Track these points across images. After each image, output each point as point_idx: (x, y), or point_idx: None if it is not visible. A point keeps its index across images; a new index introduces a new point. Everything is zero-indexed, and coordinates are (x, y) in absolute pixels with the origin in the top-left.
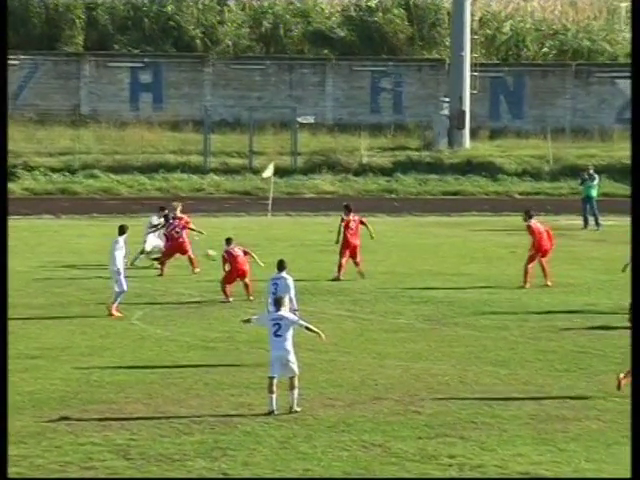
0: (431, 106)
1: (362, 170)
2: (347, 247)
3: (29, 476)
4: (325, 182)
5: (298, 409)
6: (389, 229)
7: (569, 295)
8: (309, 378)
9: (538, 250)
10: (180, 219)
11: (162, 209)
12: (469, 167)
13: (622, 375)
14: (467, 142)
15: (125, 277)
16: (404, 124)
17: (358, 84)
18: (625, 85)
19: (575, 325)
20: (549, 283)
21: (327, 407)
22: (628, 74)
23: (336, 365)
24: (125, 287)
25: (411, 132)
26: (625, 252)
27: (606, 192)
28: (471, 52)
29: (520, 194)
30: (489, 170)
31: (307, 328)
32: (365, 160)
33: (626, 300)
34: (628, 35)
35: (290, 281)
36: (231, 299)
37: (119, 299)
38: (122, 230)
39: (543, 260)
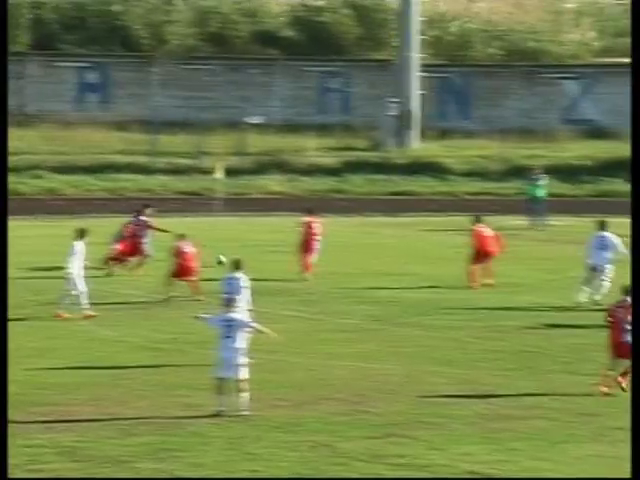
0: (379, 106)
1: (310, 170)
2: (307, 247)
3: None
4: (273, 182)
5: (245, 413)
6: (337, 229)
7: (516, 295)
8: (257, 379)
9: (478, 255)
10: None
11: (146, 206)
12: (417, 167)
13: (620, 378)
14: (415, 142)
15: (82, 278)
16: (352, 124)
17: (306, 84)
18: (570, 86)
19: (522, 324)
20: (490, 281)
21: (275, 407)
22: (574, 75)
23: (285, 365)
24: (83, 288)
25: (359, 132)
26: (573, 252)
27: (552, 192)
28: (419, 53)
29: (467, 194)
30: (437, 170)
31: (258, 330)
32: (313, 160)
33: (571, 299)
34: (573, 36)
35: (245, 281)
36: (173, 293)
37: (84, 300)
38: (80, 234)
39: (485, 261)
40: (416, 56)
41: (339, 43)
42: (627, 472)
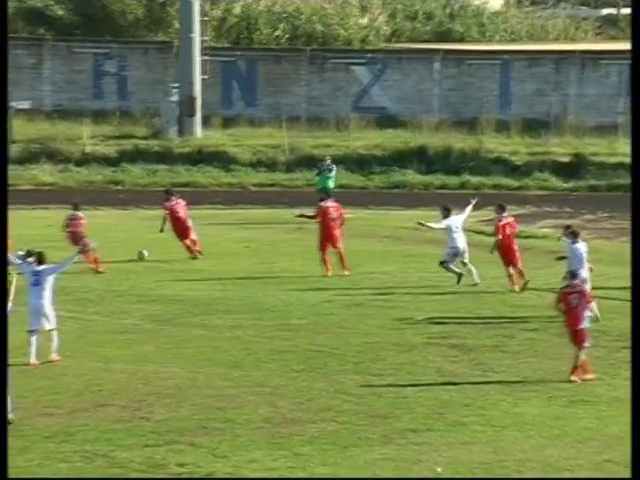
0: (159, 92)
1: (85, 160)
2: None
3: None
4: (44, 173)
5: (10, 416)
6: (115, 223)
7: (305, 292)
8: (25, 385)
9: (324, 235)
10: None
11: None
12: (201, 157)
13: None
14: (198, 130)
15: None
16: (130, 111)
17: (79, 67)
18: (360, 72)
19: (312, 322)
20: (347, 272)
21: (46, 416)
22: (363, 60)
23: (56, 370)
24: None
25: (138, 119)
26: (362, 245)
27: (342, 183)
28: (201, 35)
29: (255, 185)
30: (222, 160)
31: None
32: (88, 149)
33: (358, 295)
34: (362, 20)
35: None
36: None
37: None
38: None
39: (339, 249)
40: (198, 38)
41: (116, 23)
42: (415, 474)
